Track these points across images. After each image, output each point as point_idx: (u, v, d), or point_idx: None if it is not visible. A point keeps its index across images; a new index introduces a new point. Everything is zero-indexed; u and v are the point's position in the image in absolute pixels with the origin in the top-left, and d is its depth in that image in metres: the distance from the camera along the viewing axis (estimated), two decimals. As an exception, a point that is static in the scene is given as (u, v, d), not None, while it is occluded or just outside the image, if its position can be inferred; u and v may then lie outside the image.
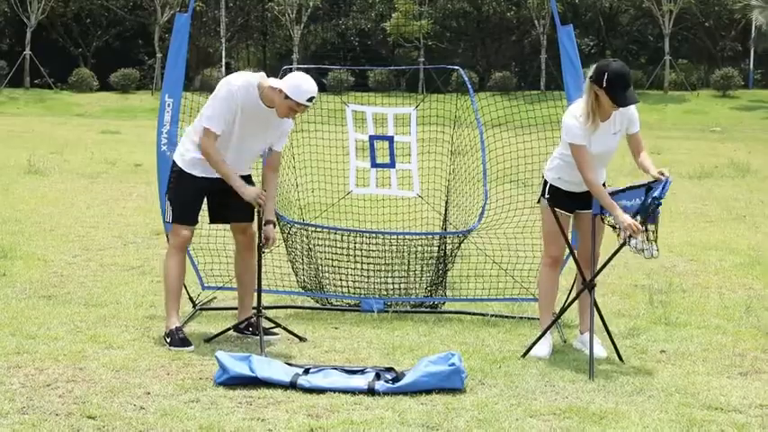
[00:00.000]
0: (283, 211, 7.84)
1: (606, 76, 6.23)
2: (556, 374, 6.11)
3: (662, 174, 6.36)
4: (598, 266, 6.50)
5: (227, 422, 5.11)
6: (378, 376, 5.75)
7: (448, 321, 7.52)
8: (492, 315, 7.62)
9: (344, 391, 5.60)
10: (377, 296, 7.83)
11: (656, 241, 6.36)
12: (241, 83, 6.41)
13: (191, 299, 7.62)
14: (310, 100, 6.33)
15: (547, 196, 6.59)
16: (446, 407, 5.43)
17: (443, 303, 7.96)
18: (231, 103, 6.39)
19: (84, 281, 8.53)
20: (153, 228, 10.88)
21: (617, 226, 6.32)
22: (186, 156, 6.62)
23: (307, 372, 5.81)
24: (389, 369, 5.90)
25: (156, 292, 8.17)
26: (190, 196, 6.64)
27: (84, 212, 12.54)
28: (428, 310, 7.86)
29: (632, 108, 6.40)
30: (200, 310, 7.62)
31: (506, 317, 7.60)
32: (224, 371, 5.74)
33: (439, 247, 8.06)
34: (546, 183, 6.61)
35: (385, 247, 7.93)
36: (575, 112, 6.39)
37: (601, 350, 6.46)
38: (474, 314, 7.69)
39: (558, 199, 6.57)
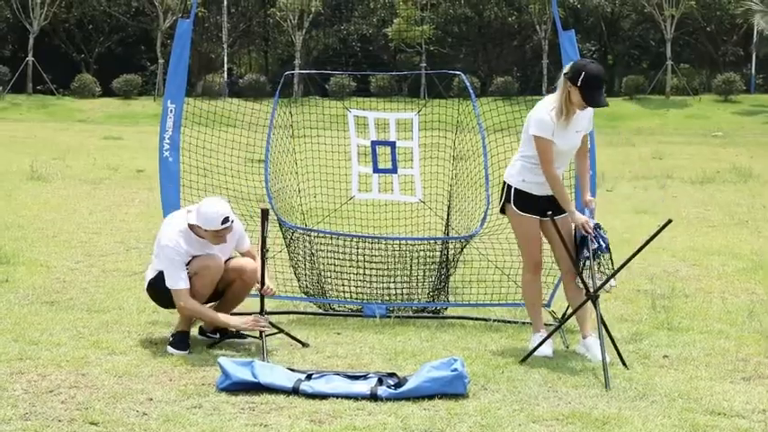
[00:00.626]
0: (286, 216, 7.84)
1: (583, 76, 6.35)
2: (559, 380, 6.10)
3: (588, 204, 6.56)
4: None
5: (229, 428, 5.11)
6: (380, 382, 5.75)
7: (450, 326, 7.51)
8: (494, 320, 7.61)
9: (347, 397, 5.60)
10: (379, 301, 7.82)
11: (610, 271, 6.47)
12: (174, 237, 6.59)
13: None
14: (225, 221, 6.51)
15: (513, 201, 6.60)
16: (449, 412, 5.42)
17: (446, 308, 7.95)
18: (179, 257, 6.57)
19: (87, 287, 8.53)
20: (155, 233, 10.84)
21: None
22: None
23: (309, 377, 5.81)
24: (392, 374, 5.89)
25: (159, 297, 8.17)
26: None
27: (87, 218, 12.54)
28: (430, 315, 7.85)
29: (589, 109, 6.48)
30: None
31: (509, 322, 7.60)
32: (226, 376, 5.73)
33: (441, 252, 8.05)
34: (510, 188, 6.63)
35: (387, 253, 7.92)
36: (546, 107, 6.49)
37: (601, 355, 6.45)
38: (476, 319, 7.68)
39: (526, 202, 6.59)
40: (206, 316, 6.68)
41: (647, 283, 9.05)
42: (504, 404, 5.60)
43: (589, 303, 6.55)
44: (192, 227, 6.61)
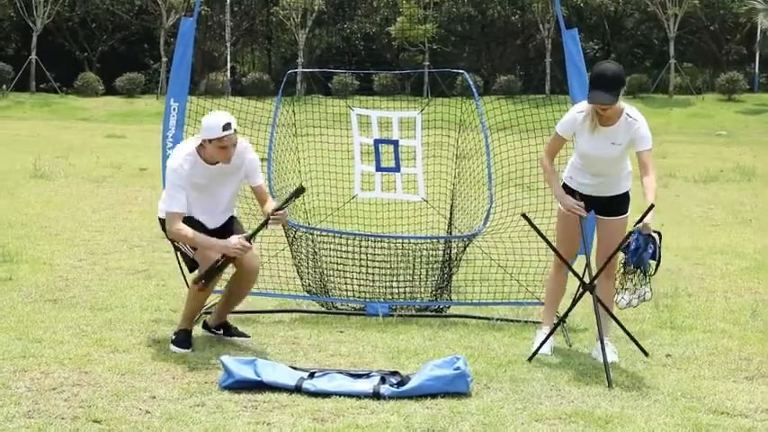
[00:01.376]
0: (288, 215, 7.84)
1: (589, 75, 6.41)
2: (561, 379, 6.10)
3: (641, 228, 6.26)
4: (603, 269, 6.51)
5: (232, 426, 5.11)
6: (383, 380, 5.75)
7: (453, 325, 7.51)
8: (497, 319, 7.61)
9: (350, 395, 5.60)
10: (382, 300, 7.83)
11: (647, 284, 6.39)
12: (179, 160, 6.50)
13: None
14: (226, 127, 6.37)
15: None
16: (451, 411, 5.42)
17: (448, 307, 7.95)
18: (179, 180, 6.48)
19: (90, 285, 8.54)
20: (158, 232, 10.81)
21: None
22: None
23: (312, 376, 5.81)
24: (394, 373, 5.89)
25: (161, 295, 8.18)
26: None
27: (90, 216, 12.55)
28: (433, 313, 7.86)
29: (641, 127, 6.39)
30: (205, 313, 7.61)
31: (512, 321, 7.60)
32: (229, 375, 5.74)
33: (444, 250, 8.05)
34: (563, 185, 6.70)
35: (390, 251, 7.93)
36: (580, 107, 6.52)
37: (612, 355, 6.46)
38: (479, 318, 7.68)
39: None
40: (194, 242, 6.51)
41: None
42: (506, 403, 5.60)
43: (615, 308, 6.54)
44: (199, 150, 6.48)
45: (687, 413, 5.48)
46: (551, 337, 6.76)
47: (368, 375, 5.86)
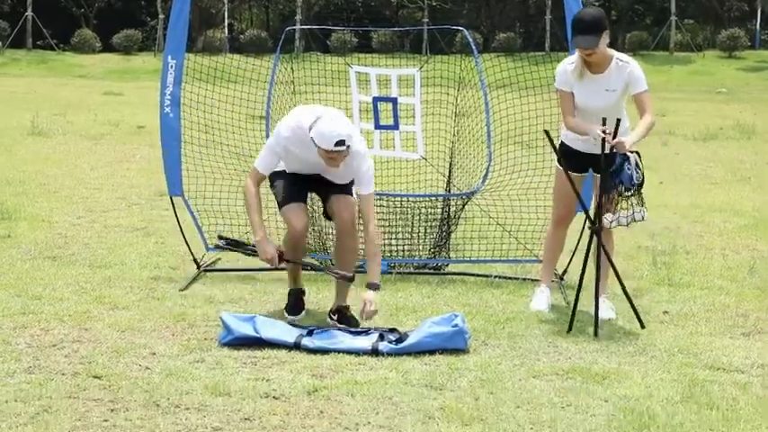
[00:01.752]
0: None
1: (572, 20, 6.42)
2: (559, 335, 6.15)
3: (616, 144, 6.19)
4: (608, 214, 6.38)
5: (231, 382, 5.16)
6: (381, 337, 5.80)
7: (451, 283, 7.55)
8: (495, 276, 7.65)
9: (348, 352, 5.65)
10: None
11: (638, 204, 6.27)
12: (290, 129, 6.22)
13: (195, 260, 7.66)
14: (339, 144, 5.95)
15: (558, 156, 6.65)
16: (449, 367, 5.47)
17: (447, 265, 7.99)
18: (279, 148, 6.26)
19: (89, 242, 8.57)
20: (156, 189, 10.90)
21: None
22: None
23: (311, 333, 5.85)
24: (393, 330, 5.94)
25: (160, 253, 8.22)
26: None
27: (88, 174, 12.56)
28: (431, 271, 7.90)
29: (634, 69, 6.38)
30: (205, 271, 7.65)
31: (510, 278, 7.64)
32: (228, 332, 5.78)
33: (443, 208, 8.07)
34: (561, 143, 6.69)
35: (389, 209, 7.95)
36: (570, 59, 6.52)
37: (608, 311, 6.49)
38: (477, 275, 7.72)
39: (568, 159, 6.60)
40: (250, 208, 6.25)
41: (648, 240, 9.08)
42: (504, 359, 5.65)
43: (607, 263, 6.50)
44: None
45: (683, 369, 5.54)
46: (549, 295, 6.80)
47: (366, 333, 5.90)
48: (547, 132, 6.43)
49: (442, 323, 5.80)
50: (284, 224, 6.46)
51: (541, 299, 6.78)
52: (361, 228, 6.35)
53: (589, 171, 6.69)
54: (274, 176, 6.44)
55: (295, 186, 6.41)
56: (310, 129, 6.09)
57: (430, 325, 5.80)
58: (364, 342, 5.74)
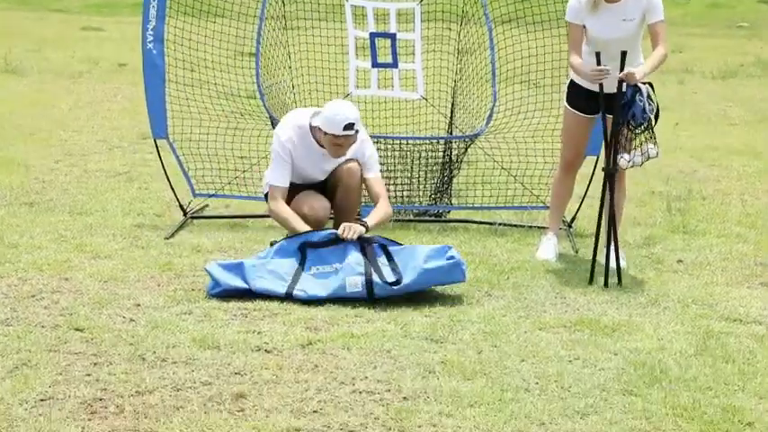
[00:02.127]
0: (278, 114, 7.85)
1: None
2: (566, 286, 6.19)
3: (626, 75, 6.17)
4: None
5: (221, 335, 5.19)
6: (373, 271, 5.77)
7: (453, 230, 7.59)
8: (500, 224, 7.68)
9: (342, 299, 5.67)
10: (378, 204, 7.88)
11: (650, 140, 6.25)
12: (288, 131, 6.41)
13: (181, 207, 7.68)
14: (348, 128, 6.21)
15: (566, 92, 6.65)
16: (451, 319, 5.51)
17: (448, 212, 8.01)
18: (285, 154, 6.41)
19: (68, 188, 8.58)
20: (139, 131, 10.88)
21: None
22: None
23: (303, 263, 5.83)
24: (386, 242, 5.94)
25: (144, 199, 8.24)
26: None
27: (67, 115, 12.53)
28: (432, 218, 7.92)
29: None
30: (191, 218, 7.68)
31: (515, 225, 7.67)
32: (216, 283, 5.81)
33: (444, 152, 8.08)
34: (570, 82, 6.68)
35: (387, 153, 7.95)
36: None
37: (620, 261, 6.51)
38: (481, 223, 7.75)
39: (577, 99, 6.60)
40: (288, 226, 6.34)
41: (662, 185, 9.10)
42: (509, 311, 5.69)
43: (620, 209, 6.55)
44: (313, 129, 6.40)
45: (698, 320, 5.58)
46: (556, 243, 6.84)
47: (360, 247, 5.88)
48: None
49: (436, 256, 5.82)
50: None
51: (548, 247, 6.81)
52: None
53: (600, 113, 6.68)
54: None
55: (299, 187, 6.55)
56: (311, 125, 6.32)
57: (424, 260, 5.81)
58: (357, 280, 5.71)
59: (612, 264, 6.29)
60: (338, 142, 6.28)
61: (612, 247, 6.34)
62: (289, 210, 6.38)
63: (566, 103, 6.74)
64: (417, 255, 5.88)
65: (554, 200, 7.04)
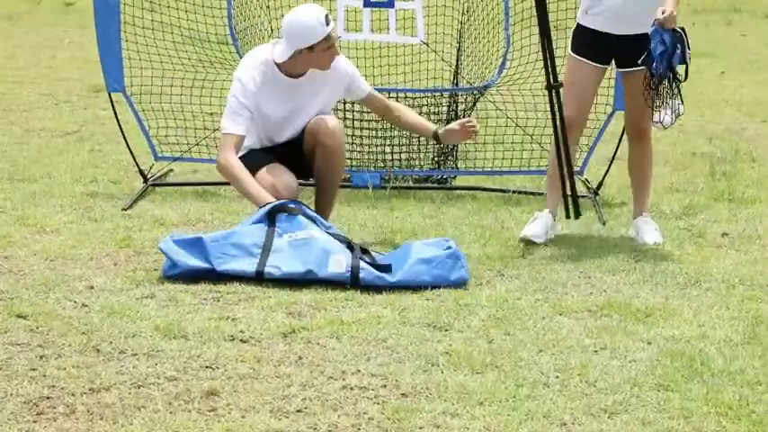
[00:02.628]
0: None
1: None
2: (592, 264, 6.20)
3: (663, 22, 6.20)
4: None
5: (189, 322, 5.18)
6: (355, 250, 5.77)
7: (459, 199, 7.60)
8: (514, 191, 7.70)
9: (322, 280, 5.67)
10: (372, 168, 7.90)
11: (677, 95, 6.30)
12: (250, 71, 6.32)
13: (141, 172, 7.68)
14: (328, 20, 6.19)
15: (572, 37, 6.63)
16: (457, 303, 5.51)
17: (454, 177, 8.04)
18: (245, 98, 6.27)
19: (7, 149, 8.59)
20: (91, 83, 10.89)
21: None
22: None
23: (272, 218, 5.82)
24: (365, 252, 5.92)
25: (98, 163, 8.25)
26: None
27: (4, 64, 12.52)
28: (435, 185, 7.94)
29: None
30: (153, 185, 7.69)
31: (531, 193, 7.69)
32: (173, 264, 5.76)
33: (449, 106, 8.10)
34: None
35: (382, 107, 7.95)
36: None
37: (653, 234, 6.54)
38: (492, 190, 7.77)
39: (585, 44, 6.58)
40: (241, 187, 6.23)
41: (706, 145, 9.13)
42: (524, 293, 5.71)
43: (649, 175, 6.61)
44: (293, 59, 6.25)
45: (745, 303, 5.61)
46: (549, 223, 6.68)
47: (345, 242, 5.88)
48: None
49: (433, 246, 5.83)
50: None
51: (537, 224, 6.62)
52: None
53: (611, 64, 6.64)
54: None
55: (268, 155, 6.44)
56: (276, 61, 6.25)
57: (419, 250, 5.80)
58: (340, 261, 5.72)
59: (645, 238, 6.35)
60: (330, 43, 6.22)
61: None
62: (243, 168, 6.19)
63: (570, 51, 6.69)
64: (411, 249, 5.88)
65: (552, 170, 6.87)
